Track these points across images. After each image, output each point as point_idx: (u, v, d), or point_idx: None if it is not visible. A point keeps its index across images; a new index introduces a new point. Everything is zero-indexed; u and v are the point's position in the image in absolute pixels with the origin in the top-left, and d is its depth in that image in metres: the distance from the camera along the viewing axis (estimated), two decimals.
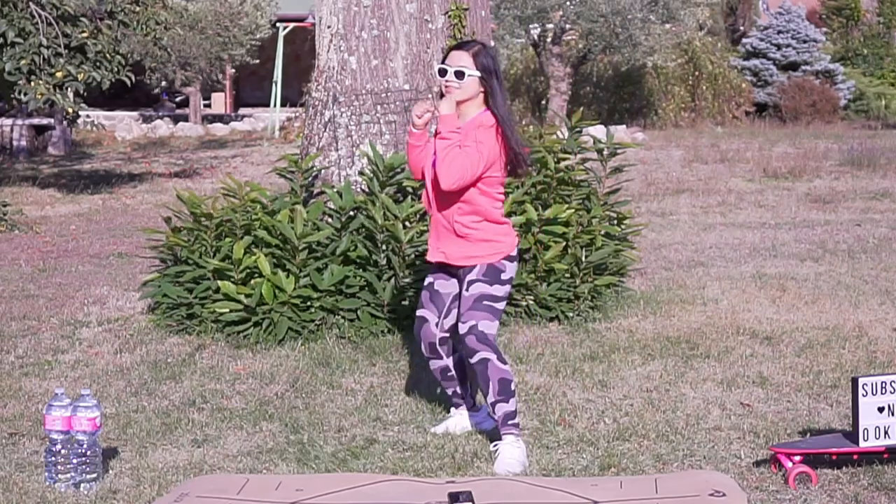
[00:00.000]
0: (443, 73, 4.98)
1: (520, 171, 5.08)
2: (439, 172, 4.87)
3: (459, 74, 4.94)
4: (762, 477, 4.73)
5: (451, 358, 5.22)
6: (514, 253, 5.06)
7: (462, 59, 4.97)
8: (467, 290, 4.98)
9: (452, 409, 5.40)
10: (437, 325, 5.15)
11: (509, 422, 4.95)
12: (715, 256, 9.92)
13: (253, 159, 19.75)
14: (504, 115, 4.97)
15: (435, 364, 5.25)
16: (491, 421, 5.27)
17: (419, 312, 5.20)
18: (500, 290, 4.99)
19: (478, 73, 4.94)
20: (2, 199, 12.79)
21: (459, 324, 4.99)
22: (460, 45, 5.09)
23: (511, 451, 4.89)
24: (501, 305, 5.01)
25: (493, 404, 4.95)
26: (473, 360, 4.95)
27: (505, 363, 4.97)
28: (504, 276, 5.00)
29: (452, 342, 5.21)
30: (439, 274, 5.15)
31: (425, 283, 5.22)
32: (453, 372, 5.25)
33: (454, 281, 5.12)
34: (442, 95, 5.03)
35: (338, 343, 6.84)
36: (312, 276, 6.93)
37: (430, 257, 5.12)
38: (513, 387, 4.97)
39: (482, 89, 4.97)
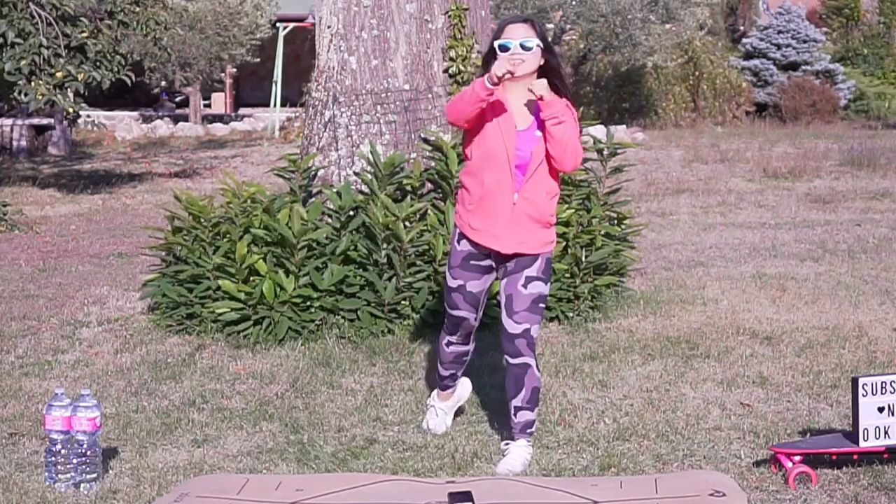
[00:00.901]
0: (505, 48, 4.77)
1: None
2: (568, 155, 4.74)
3: (526, 47, 4.78)
4: (762, 477, 4.74)
5: (473, 343, 5.22)
6: None
7: (523, 31, 4.80)
8: (526, 286, 4.84)
9: (434, 399, 5.38)
10: (475, 318, 5.09)
11: (528, 430, 4.96)
12: (715, 256, 9.92)
13: (253, 159, 19.75)
14: (568, 87, 4.88)
15: (459, 349, 5.19)
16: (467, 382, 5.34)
17: (456, 313, 5.05)
18: (549, 289, 4.97)
19: (541, 44, 4.81)
20: (2, 199, 12.79)
21: (512, 321, 4.86)
22: (513, 20, 4.87)
23: (520, 454, 4.91)
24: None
25: (518, 409, 4.92)
26: (515, 361, 4.89)
27: (539, 370, 4.97)
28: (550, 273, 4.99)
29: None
30: (470, 273, 4.96)
31: (454, 285, 5.00)
32: (468, 357, 5.26)
33: (487, 276, 4.99)
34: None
35: (338, 343, 6.84)
36: (312, 275, 6.93)
37: (505, 249, 4.84)
38: (539, 396, 4.97)
39: (542, 61, 4.83)
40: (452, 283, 5.01)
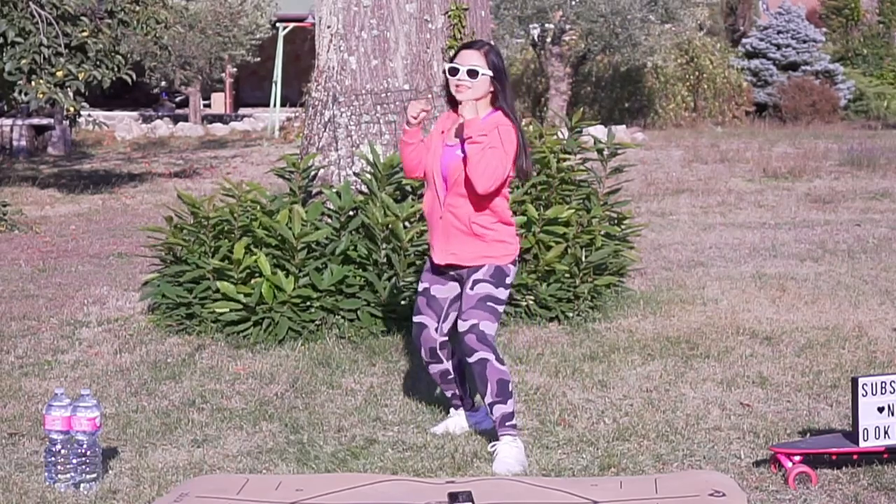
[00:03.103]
0: (454, 72, 4.95)
1: (527, 171, 5.07)
2: (476, 176, 4.84)
3: (472, 73, 4.91)
4: (762, 477, 4.73)
5: (450, 361, 5.22)
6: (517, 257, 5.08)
7: (473, 58, 4.94)
8: (472, 288, 4.96)
9: (452, 410, 5.40)
10: (436, 329, 5.13)
11: (507, 423, 4.95)
12: (715, 256, 9.92)
13: (253, 159, 19.76)
14: (515, 114, 5.02)
15: (435, 368, 5.23)
16: (489, 420, 5.26)
17: (417, 319, 5.17)
18: (503, 294, 4.99)
19: (490, 73, 4.94)
20: (2, 199, 12.79)
21: (459, 321, 4.97)
22: (470, 45, 5.06)
23: (509, 451, 4.89)
24: (502, 308, 5.03)
25: (491, 405, 4.95)
26: (472, 360, 4.93)
27: (503, 364, 4.97)
28: (508, 280, 5.01)
29: (451, 345, 5.20)
30: (436, 278, 5.12)
31: (420, 288, 5.19)
32: (453, 375, 5.25)
33: (452, 284, 5.10)
34: (451, 96, 5.02)
35: (338, 343, 6.84)
36: (312, 275, 6.93)
37: (438, 259, 5.05)
38: (510, 388, 4.96)
39: (492, 89, 4.97)
40: (420, 286, 5.20)
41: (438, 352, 5.17)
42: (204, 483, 4.66)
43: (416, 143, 5.05)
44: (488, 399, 4.95)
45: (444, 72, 5.11)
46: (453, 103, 5.04)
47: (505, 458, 4.86)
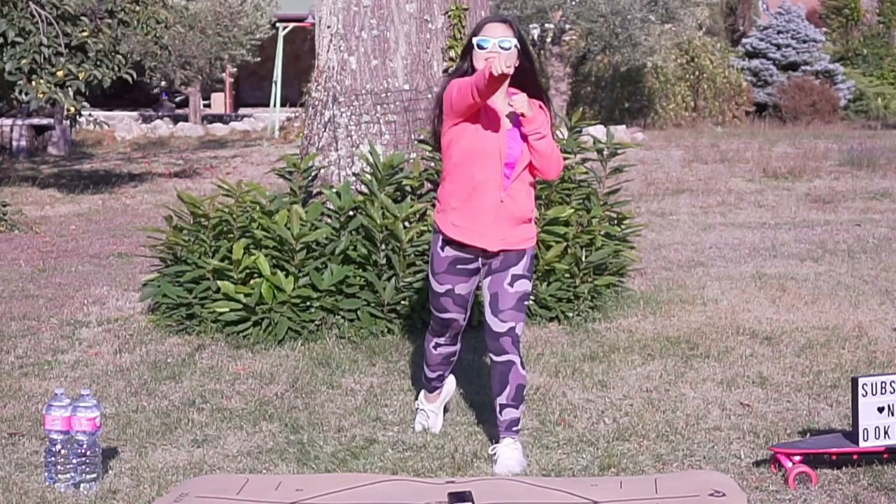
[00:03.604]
0: (482, 46, 4.77)
1: None
2: (552, 166, 4.82)
3: (504, 46, 4.76)
4: (762, 477, 4.74)
5: (460, 342, 5.23)
6: None
7: (500, 30, 4.79)
8: (512, 284, 4.84)
9: (422, 403, 5.39)
10: (464, 319, 5.10)
11: (513, 427, 4.94)
12: (715, 256, 9.92)
13: (253, 159, 19.76)
14: (544, 93, 4.92)
15: (447, 349, 5.19)
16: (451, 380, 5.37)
17: (446, 316, 5.05)
18: (531, 287, 4.98)
19: (518, 44, 4.80)
20: (2, 199, 12.79)
21: (498, 320, 4.85)
22: (491, 19, 4.88)
23: (510, 453, 4.89)
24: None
25: (503, 406, 4.92)
26: (499, 359, 4.89)
27: (524, 368, 4.95)
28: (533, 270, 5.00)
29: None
30: (457, 277, 4.94)
31: (442, 290, 4.98)
32: (455, 357, 5.26)
33: (473, 279, 4.97)
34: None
35: (338, 343, 6.84)
36: (312, 276, 6.93)
37: (490, 245, 4.82)
38: (525, 393, 4.96)
39: (517, 62, 4.81)
40: (440, 288, 5.00)
41: (460, 334, 5.17)
42: (204, 483, 4.66)
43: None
44: (502, 400, 4.91)
45: (466, 47, 4.89)
46: None
47: (506, 460, 4.86)
